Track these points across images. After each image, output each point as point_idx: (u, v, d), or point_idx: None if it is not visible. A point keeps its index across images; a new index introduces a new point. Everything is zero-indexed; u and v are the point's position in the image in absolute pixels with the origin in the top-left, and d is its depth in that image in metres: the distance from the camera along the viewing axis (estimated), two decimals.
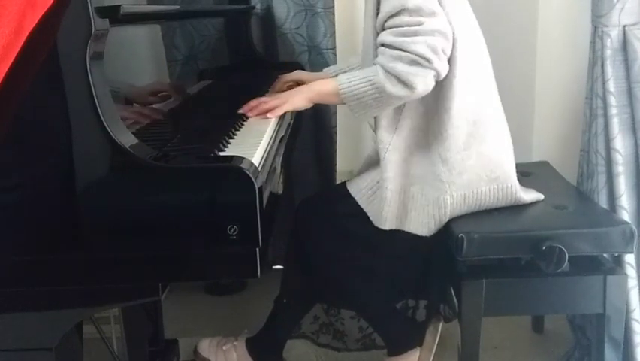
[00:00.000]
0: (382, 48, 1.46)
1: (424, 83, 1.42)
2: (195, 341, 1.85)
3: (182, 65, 1.54)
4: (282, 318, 1.80)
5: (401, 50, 1.41)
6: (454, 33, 1.46)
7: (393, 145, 1.56)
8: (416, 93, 1.43)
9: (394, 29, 1.44)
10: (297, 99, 1.55)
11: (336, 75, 1.80)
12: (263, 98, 1.55)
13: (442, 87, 1.50)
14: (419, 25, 1.41)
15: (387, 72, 1.43)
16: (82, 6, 0.95)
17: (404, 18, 1.42)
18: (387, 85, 1.42)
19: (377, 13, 1.49)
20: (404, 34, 1.42)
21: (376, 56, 1.48)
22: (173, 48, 1.50)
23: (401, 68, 1.41)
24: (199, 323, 2.15)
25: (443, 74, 1.45)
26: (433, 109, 1.54)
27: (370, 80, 1.45)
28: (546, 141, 2.14)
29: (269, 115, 1.49)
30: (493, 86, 1.60)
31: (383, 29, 1.47)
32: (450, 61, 1.47)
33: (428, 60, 1.40)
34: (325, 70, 1.92)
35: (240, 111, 1.51)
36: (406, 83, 1.41)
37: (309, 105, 1.57)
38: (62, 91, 0.96)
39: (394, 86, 1.42)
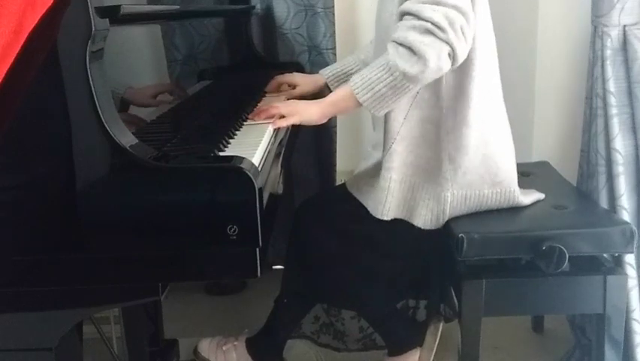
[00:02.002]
0: (400, 22, 1.41)
1: (436, 56, 1.35)
2: (195, 341, 1.85)
3: (182, 65, 1.54)
4: (282, 318, 1.80)
5: (417, 16, 1.36)
6: (475, 32, 1.43)
7: (401, 135, 1.54)
8: (429, 69, 1.36)
9: None
10: (310, 113, 1.47)
11: (333, 76, 1.82)
12: (274, 104, 1.49)
13: (461, 84, 1.49)
14: None
15: (399, 44, 1.37)
16: (82, 6, 0.95)
17: None
18: (399, 61, 1.36)
19: None
20: (425, 2, 1.37)
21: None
22: (173, 48, 1.50)
23: (413, 36, 1.35)
24: (199, 323, 2.15)
25: (460, 54, 1.38)
26: (448, 105, 1.52)
27: (382, 64, 1.39)
28: (546, 141, 2.14)
29: (271, 126, 1.41)
30: (501, 90, 1.60)
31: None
32: (472, 57, 1.45)
33: (442, 29, 1.34)
34: (321, 71, 1.88)
35: (250, 117, 1.46)
36: (418, 55, 1.35)
37: (322, 121, 1.49)
38: (62, 91, 0.96)
39: (406, 62, 1.36)
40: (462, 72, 1.47)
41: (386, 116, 1.55)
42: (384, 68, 1.39)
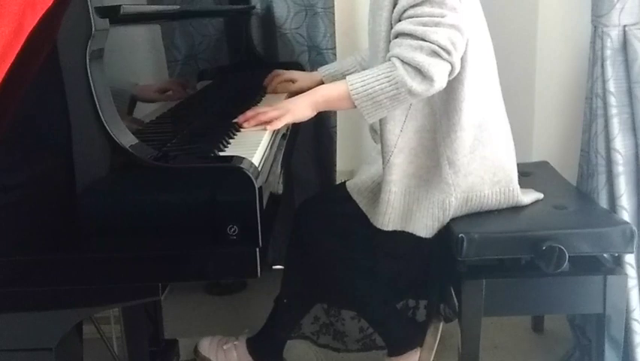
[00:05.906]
0: (399, 39, 1.42)
1: (442, 76, 1.38)
2: (195, 341, 1.85)
3: (182, 65, 1.54)
4: (282, 318, 1.80)
5: (422, 39, 1.38)
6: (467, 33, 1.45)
7: (398, 147, 1.55)
8: (434, 88, 1.39)
9: (415, 19, 1.40)
10: (300, 109, 1.45)
11: (330, 76, 1.82)
12: (261, 109, 1.45)
13: (452, 88, 1.49)
14: (442, 17, 1.38)
15: (406, 63, 1.38)
16: (82, 6, 0.95)
17: (426, 9, 1.40)
18: (407, 79, 1.37)
19: (394, 5, 1.46)
20: (425, 24, 1.38)
21: (388, 49, 1.45)
22: (173, 48, 1.50)
23: (421, 58, 1.37)
24: (199, 323, 2.15)
25: (456, 72, 1.42)
26: (441, 110, 1.53)
27: (388, 77, 1.39)
28: (546, 141, 2.14)
29: (268, 127, 1.39)
30: (498, 89, 1.60)
31: (400, 20, 1.44)
32: (461, 61, 1.46)
33: (448, 52, 1.37)
34: (320, 69, 1.88)
35: (236, 121, 1.41)
36: (425, 75, 1.37)
37: (313, 114, 1.47)
38: (62, 91, 0.96)
39: (413, 80, 1.37)
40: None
41: (382, 129, 1.55)
42: (389, 81, 1.39)
